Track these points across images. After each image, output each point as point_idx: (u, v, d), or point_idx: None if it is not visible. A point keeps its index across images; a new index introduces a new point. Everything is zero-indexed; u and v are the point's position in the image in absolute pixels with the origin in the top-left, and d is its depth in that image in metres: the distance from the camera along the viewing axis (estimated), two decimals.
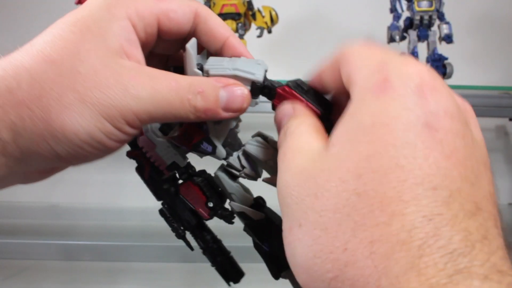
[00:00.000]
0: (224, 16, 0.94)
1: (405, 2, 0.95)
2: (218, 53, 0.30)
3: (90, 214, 1.14)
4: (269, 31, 0.98)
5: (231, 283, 0.34)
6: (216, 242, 0.34)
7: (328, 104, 0.27)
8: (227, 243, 0.34)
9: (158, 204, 0.33)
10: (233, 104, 0.27)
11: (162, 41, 0.30)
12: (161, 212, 0.33)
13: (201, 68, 0.28)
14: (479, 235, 0.17)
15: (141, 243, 0.91)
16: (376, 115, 0.20)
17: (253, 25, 0.98)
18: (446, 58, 0.94)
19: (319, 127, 0.25)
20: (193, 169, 0.32)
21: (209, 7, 0.94)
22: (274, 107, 0.28)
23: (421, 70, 0.21)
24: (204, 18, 0.29)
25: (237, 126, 0.31)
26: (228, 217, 0.32)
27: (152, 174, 0.32)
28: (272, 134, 0.30)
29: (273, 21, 0.98)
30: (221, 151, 0.30)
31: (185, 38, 0.29)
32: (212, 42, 0.30)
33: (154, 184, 0.32)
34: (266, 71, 0.28)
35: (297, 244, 0.20)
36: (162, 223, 0.33)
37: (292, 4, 1.15)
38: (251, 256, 0.32)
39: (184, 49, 0.28)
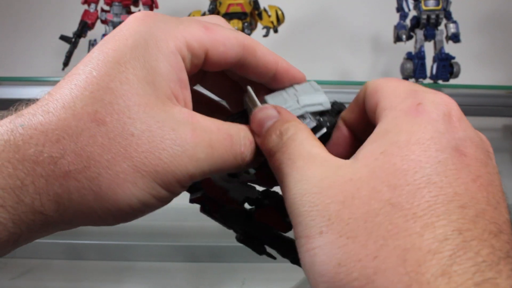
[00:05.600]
0: (230, 15, 0.94)
1: (412, 1, 0.94)
2: (270, 81, 0.29)
3: None
4: (275, 31, 0.98)
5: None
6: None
7: None
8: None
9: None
10: None
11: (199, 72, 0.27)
12: (238, 239, 0.34)
13: None
14: (503, 253, 0.18)
15: (147, 243, 0.91)
16: (412, 134, 0.21)
17: (259, 25, 0.98)
18: (453, 58, 0.94)
19: (313, 135, 0.25)
20: (259, 194, 0.32)
21: (215, 6, 0.94)
22: None
23: (449, 101, 0.23)
24: (253, 50, 0.27)
25: None
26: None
27: (222, 211, 0.33)
28: None
29: (279, 20, 0.98)
30: None
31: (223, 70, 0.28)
32: (264, 73, 0.28)
33: (225, 219, 0.33)
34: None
35: (317, 252, 0.20)
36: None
37: (298, 3, 1.14)
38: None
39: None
